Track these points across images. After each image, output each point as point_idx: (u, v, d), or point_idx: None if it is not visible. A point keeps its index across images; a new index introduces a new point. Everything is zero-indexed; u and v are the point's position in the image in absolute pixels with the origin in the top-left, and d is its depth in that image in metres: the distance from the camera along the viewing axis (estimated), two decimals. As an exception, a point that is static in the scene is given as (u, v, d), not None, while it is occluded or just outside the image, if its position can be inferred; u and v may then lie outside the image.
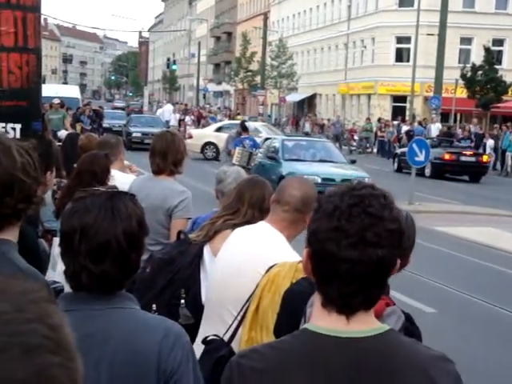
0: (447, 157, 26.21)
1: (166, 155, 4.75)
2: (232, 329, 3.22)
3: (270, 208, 3.37)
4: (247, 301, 3.15)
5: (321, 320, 1.58)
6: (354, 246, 1.53)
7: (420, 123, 36.13)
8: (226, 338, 3.22)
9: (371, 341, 1.55)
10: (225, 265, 3.39)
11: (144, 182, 4.93)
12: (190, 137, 31.13)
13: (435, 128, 33.41)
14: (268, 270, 3.06)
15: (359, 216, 1.53)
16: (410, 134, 31.69)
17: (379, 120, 41.35)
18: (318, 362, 1.55)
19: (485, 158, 27.31)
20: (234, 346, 3.16)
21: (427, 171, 24.87)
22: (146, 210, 4.54)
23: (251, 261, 3.26)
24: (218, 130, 30.09)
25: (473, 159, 26.81)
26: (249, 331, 3.04)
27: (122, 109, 64.80)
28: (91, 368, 1.88)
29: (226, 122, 34.59)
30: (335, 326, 1.56)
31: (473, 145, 30.19)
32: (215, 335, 3.22)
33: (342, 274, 1.54)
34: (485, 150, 30.25)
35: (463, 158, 26.55)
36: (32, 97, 3.81)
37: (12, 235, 2.31)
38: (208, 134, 30.14)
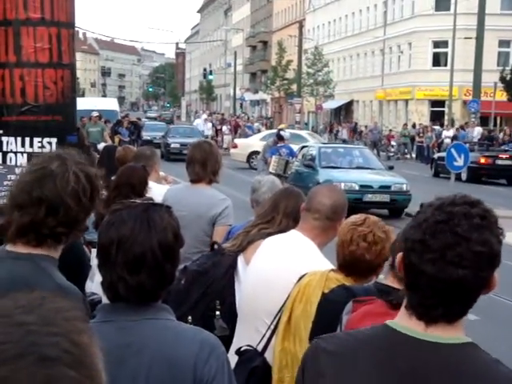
0: (483, 160, 25.91)
1: (205, 164, 4.78)
2: (265, 339, 3.23)
3: (301, 216, 3.37)
4: (279, 311, 3.15)
5: (402, 320, 1.61)
6: (433, 261, 1.54)
7: (462, 128, 35.77)
8: (259, 348, 3.23)
9: (446, 349, 1.56)
10: (256, 275, 3.39)
11: (182, 192, 4.95)
12: (235, 146, 31.12)
13: (476, 132, 33.02)
14: (299, 280, 3.06)
15: (444, 233, 1.55)
16: (456, 139, 31.12)
17: (414, 126, 41.03)
18: (387, 356, 1.59)
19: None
20: (268, 355, 3.16)
21: (463, 175, 24.56)
22: (189, 219, 4.52)
23: (283, 270, 3.25)
24: (264, 138, 30.06)
25: (509, 162, 26.50)
26: (282, 342, 3.04)
27: (155, 118, 65.97)
28: (127, 378, 1.91)
29: (271, 131, 34.57)
30: (414, 327, 1.58)
31: None
32: (249, 345, 3.22)
33: (422, 286, 1.57)
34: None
35: (499, 162, 26.29)
36: (67, 111, 3.87)
37: (53, 252, 2.34)
38: (253, 143, 29.98)
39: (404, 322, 1.61)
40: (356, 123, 52.27)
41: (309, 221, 3.31)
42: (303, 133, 30.94)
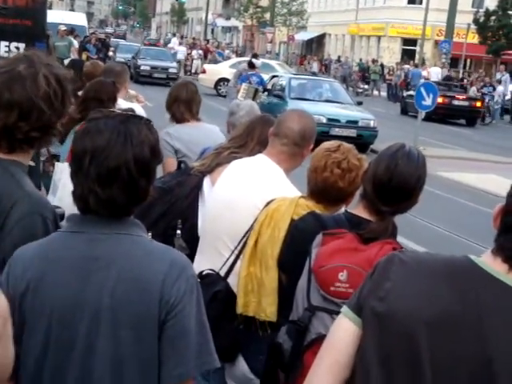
0: (440, 100, 25.96)
1: (190, 104, 4.79)
2: (229, 263, 3.18)
3: (269, 141, 3.31)
4: (245, 235, 3.10)
5: (485, 258, 1.64)
6: None
7: (416, 66, 35.89)
8: (222, 273, 3.19)
9: None
10: (221, 197, 3.34)
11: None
12: (204, 71, 30.67)
13: (433, 73, 33.12)
14: (267, 205, 3.01)
15: None
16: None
17: (373, 61, 40.78)
18: (457, 279, 1.62)
19: (478, 103, 27.37)
20: (232, 280, 3.14)
21: (422, 114, 24.68)
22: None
23: (248, 194, 3.20)
24: (233, 66, 29.66)
25: (466, 103, 26.95)
26: (247, 267, 3.00)
27: (111, 34, 65.57)
28: (93, 291, 1.87)
29: (241, 58, 34.03)
30: (495, 267, 1.60)
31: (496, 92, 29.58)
32: (211, 269, 3.18)
33: None
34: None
35: (456, 102, 26.66)
36: (37, 17, 3.72)
37: (23, 158, 2.26)
38: (222, 69, 29.53)
39: (487, 260, 1.63)
40: (339, 56, 51.44)
41: (276, 146, 3.25)
42: (273, 63, 30.62)
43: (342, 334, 1.76)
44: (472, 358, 1.57)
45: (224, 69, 29.34)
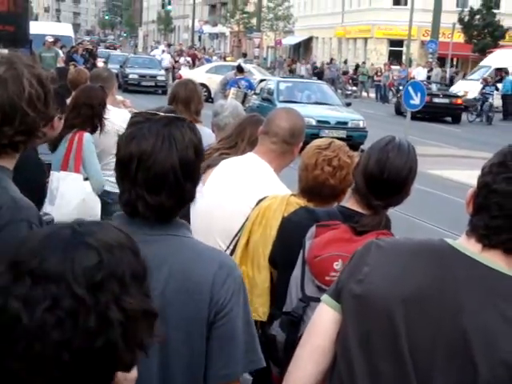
0: (421, 99, 26.11)
1: (188, 103, 4.72)
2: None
3: (258, 139, 3.29)
4: (237, 234, 3.08)
5: (460, 240, 1.69)
6: (508, 180, 1.61)
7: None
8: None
9: (491, 273, 1.61)
10: (212, 196, 3.31)
11: None
12: (180, 78, 30.63)
13: (418, 73, 33.42)
14: (258, 203, 2.99)
15: None
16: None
17: (357, 66, 40.80)
18: (433, 259, 1.66)
19: (458, 100, 27.52)
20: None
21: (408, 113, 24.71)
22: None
23: (240, 193, 3.19)
24: (209, 71, 29.67)
25: (446, 101, 27.12)
26: (239, 266, 2.97)
27: (98, 44, 65.50)
28: None
29: (218, 63, 34.07)
30: (469, 247, 1.65)
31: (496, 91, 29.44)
32: None
33: (491, 205, 1.62)
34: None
35: (436, 100, 26.74)
36: (19, 22, 3.68)
37: (8, 163, 2.21)
38: (199, 75, 29.50)
39: (461, 242, 1.69)
40: (331, 59, 51.53)
41: (266, 144, 3.24)
42: (249, 66, 30.58)
43: (322, 321, 1.79)
44: (448, 331, 1.61)
45: (200, 74, 29.22)
